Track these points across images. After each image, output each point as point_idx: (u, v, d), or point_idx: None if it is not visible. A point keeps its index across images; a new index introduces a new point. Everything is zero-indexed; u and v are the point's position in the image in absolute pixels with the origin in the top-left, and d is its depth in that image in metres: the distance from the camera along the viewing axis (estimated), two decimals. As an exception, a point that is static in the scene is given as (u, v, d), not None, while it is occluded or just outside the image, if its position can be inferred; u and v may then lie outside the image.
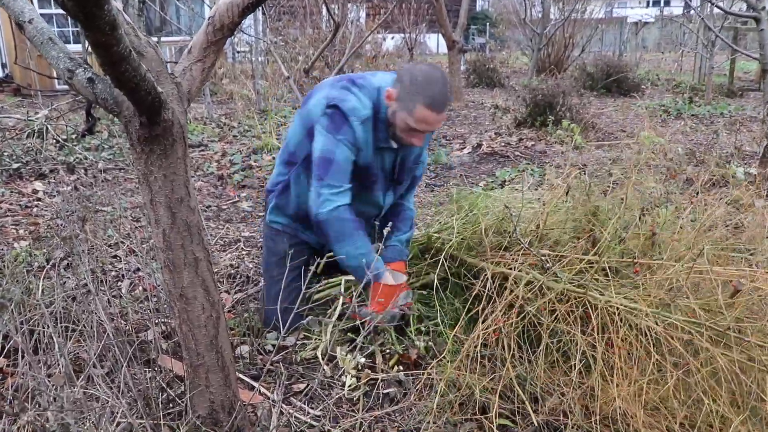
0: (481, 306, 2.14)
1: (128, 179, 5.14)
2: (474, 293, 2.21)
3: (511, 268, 2.25)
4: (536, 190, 2.71)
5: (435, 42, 20.93)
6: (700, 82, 11.67)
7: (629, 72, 11.06)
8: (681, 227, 2.22)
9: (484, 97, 10.69)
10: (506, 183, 4.89)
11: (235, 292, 2.98)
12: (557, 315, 2.11)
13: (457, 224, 2.44)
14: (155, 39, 9.07)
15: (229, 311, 2.74)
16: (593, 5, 15.81)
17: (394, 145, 2.34)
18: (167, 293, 1.68)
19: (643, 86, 11.50)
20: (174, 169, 1.56)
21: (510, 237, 2.33)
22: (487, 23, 21.72)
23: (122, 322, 2.54)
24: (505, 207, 2.35)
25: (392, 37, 13.86)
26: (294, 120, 2.46)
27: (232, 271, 3.24)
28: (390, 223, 2.13)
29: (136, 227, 3.99)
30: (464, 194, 2.75)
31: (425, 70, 2.17)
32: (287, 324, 1.91)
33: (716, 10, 11.28)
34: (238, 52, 13.99)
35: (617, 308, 2.02)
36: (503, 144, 6.50)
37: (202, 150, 6.19)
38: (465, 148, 6.52)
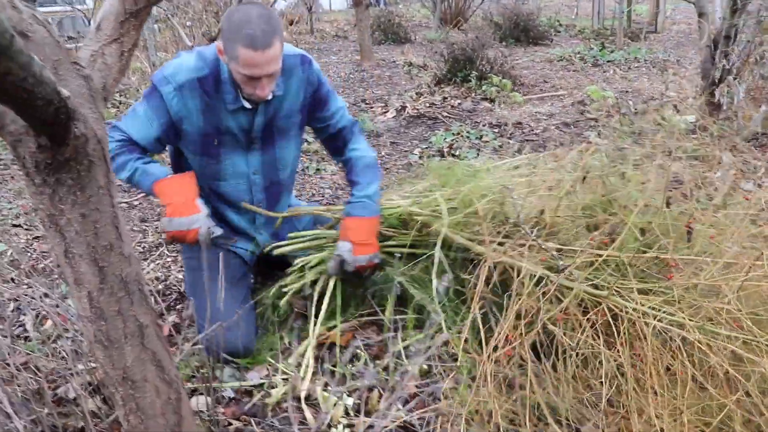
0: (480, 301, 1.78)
1: (15, 177, 4.39)
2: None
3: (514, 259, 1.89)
4: (520, 163, 2.32)
5: (327, -1, 20.12)
6: (601, 27, 11.71)
7: (537, 20, 10.89)
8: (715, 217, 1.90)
9: (394, 53, 10.23)
10: (447, 150, 4.51)
11: (167, 312, 2.47)
12: (575, 323, 1.78)
13: (445, 204, 2.04)
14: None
15: (165, 343, 2.24)
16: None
17: (248, 105, 2.01)
18: (104, 374, 1.19)
19: (547, 34, 11.39)
20: (96, 204, 1.06)
21: (511, 225, 1.96)
22: (381, -24, 21.11)
23: (30, 377, 2.00)
24: (504, 188, 1.96)
25: (289, -4, 13.09)
26: None
27: (160, 286, 2.71)
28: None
29: (34, 238, 3.34)
30: (438, 165, 2.36)
31: (242, 9, 1.86)
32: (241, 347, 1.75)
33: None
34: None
35: (646, 316, 1.70)
36: (428, 105, 6.11)
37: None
38: (388, 111, 6.09)
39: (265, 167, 2.16)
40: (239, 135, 2.06)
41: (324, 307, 2.07)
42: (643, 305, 1.73)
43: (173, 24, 5.43)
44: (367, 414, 1.77)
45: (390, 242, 2.21)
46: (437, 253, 1.99)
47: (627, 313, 1.73)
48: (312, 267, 2.14)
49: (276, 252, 2.18)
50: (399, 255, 2.14)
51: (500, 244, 1.95)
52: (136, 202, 3.86)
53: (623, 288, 1.78)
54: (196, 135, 2.02)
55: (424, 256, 2.10)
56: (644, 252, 1.86)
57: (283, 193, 2.29)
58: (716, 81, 4.27)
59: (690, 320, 1.67)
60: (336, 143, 2.25)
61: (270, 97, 2.00)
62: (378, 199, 2.17)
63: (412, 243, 2.17)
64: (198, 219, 1.97)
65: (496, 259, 1.89)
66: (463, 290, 1.98)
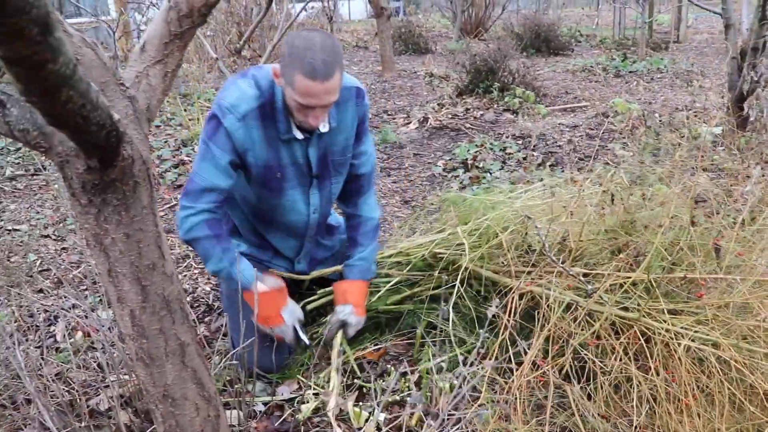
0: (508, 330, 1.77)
1: (44, 187, 4.45)
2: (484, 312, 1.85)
3: (542, 287, 1.88)
4: (544, 188, 2.31)
5: (347, 9, 20.20)
6: (622, 37, 11.65)
7: (558, 30, 10.87)
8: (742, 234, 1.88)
9: (414, 64, 10.25)
10: (471, 162, 4.50)
11: (196, 326, 2.49)
12: (606, 347, 1.77)
13: (467, 240, 2.04)
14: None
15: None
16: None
17: (299, 135, 1.95)
18: (144, 392, 1.20)
19: (568, 44, 11.35)
20: (140, 224, 1.07)
21: (535, 253, 1.96)
22: (401, -14, 21.19)
23: (63, 387, 2.02)
24: (527, 218, 1.95)
25: (312, 6, 13.15)
26: None
27: (188, 298, 2.73)
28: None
29: (62, 248, 3.38)
30: (455, 199, 2.36)
31: (304, 35, 1.80)
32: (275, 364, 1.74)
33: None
34: (141, 30, 12.95)
35: (679, 336, 1.68)
36: (450, 116, 6.12)
37: (123, 145, 5.51)
38: (411, 122, 6.10)
39: (322, 204, 2.13)
40: (298, 168, 2.01)
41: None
42: (674, 326, 1.72)
43: (197, 35, 5.47)
44: (398, 430, 1.77)
45: (417, 288, 2.22)
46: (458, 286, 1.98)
47: (659, 334, 1.71)
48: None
49: (309, 307, 2.20)
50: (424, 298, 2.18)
51: (528, 273, 1.95)
52: (161, 213, 3.90)
53: (653, 309, 1.76)
54: (260, 167, 1.96)
55: (450, 290, 2.10)
56: (671, 271, 1.84)
57: (325, 222, 2.29)
58: (744, 93, 4.22)
59: (724, 339, 1.66)
60: (351, 187, 2.20)
61: (323, 129, 1.96)
62: (375, 258, 2.20)
63: (438, 281, 2.18)
64: (283, 331, 2.01)
65: (523, 289, 1.89)
66: (494, 319, 1.98)
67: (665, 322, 1.72)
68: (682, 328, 1.70)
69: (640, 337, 1.74)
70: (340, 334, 2.04)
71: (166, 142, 5.41)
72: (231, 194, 2.00)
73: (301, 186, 2.05)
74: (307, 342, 2.05)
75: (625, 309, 1.80)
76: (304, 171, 2.03)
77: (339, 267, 2.22)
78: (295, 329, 2.03)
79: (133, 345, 1.14)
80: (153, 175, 1.09)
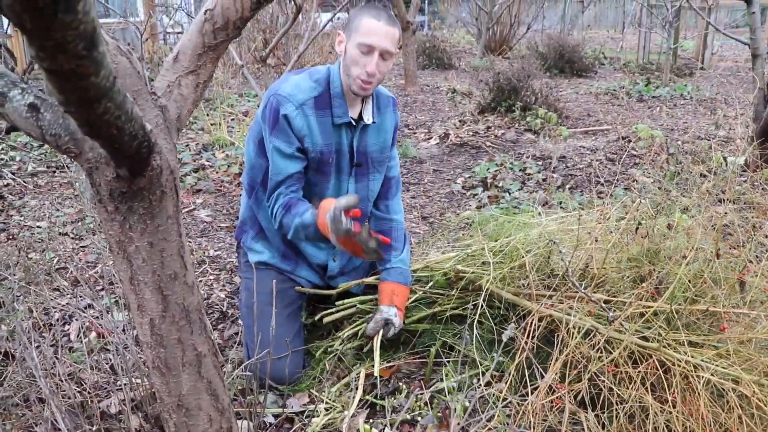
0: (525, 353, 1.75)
1: (64, 185, 4.49)
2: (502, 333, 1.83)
3: (562, 312, 1.87)
4: (567, 212, 2.29)
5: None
6: (646, 61, 11.60)
7: (582, 51, 10.84)
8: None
9: (437, 79, 10.27)
10: (490, 181, 4.49)
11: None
12: (624, 375, 1.74)
13: (492, 258, 2.03)
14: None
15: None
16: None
17: (353, 120, 2.07)
18: (159, 401, 1.20)
19: (592, 66, 11.32)
20: (164, 233, 1.08)
21: (557, 277, 1.94)
22: (427, 1, 21.28)
23: (75, 388, 2.03)
24: (551, 242, 1.94)
25: (338, 17, 13.24)
26: (247, 135, 2.17)
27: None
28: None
29: (80, 248, 3.41)
30: (486, 218, 2.35)
31: (368, 4, 2.03)
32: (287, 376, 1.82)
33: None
34: (168, 33, 13.07)
35: (699, 369, 1.65)
36: (471, 133, 6.11)
37: (145, 147, 5.55)
38: (431, 138, 6.10)
39: (359, 195, 2.13)
40: (342, 156, 2.11)
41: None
42: (694, 358, 1.69)
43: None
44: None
45: (436, 308, 2.21)
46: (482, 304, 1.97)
47: (678, 366, 1.68)
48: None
49: (326, 320, 2.20)
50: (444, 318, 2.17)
51: (549, 297, 1.94)
52: (180, 217, 3.92)
53: (674, 340, 1.74)
54: (316, 152, 2.05)
55: (471, 310, 2.09)
56: (694, 303, 1.82)
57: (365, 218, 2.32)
58: (770, 124, 4.18)
59: (746, 375, 1.63)
60: (384, 188, 2.29)
61: (368, 121, 2.09)
62: (410, 263, 2.26)
63: (457, 302, 2.17)
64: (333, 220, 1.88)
65: (543, 313, 1.88)
66: (511, 341, 1.97)
67: (685, 353, 1.70)
68: (702, 360, 1.68)
69: (659, 368, 1.71)
70: (380, 333, 2.06)
71: (187, 146, 5.45)
72: (303, 176, 2.07)
73: (341, 173, 2.14)
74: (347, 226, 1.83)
75: (645, 338, 1.78)
76: (346, 158, 2.13)
77: (367, 279, 2.26)
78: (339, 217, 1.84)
79: (150, 353, 1.14)
80: (179, 186, 1.10)
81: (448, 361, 2.06)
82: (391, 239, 2.23)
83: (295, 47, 7.09)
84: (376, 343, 2.03)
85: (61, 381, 1.96)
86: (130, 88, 1.04)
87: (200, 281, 2.99)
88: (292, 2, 4.06)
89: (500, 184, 4.41)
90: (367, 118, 2.09)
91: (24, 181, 4.54)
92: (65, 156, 0.99)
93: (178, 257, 1.10)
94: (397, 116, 2.24)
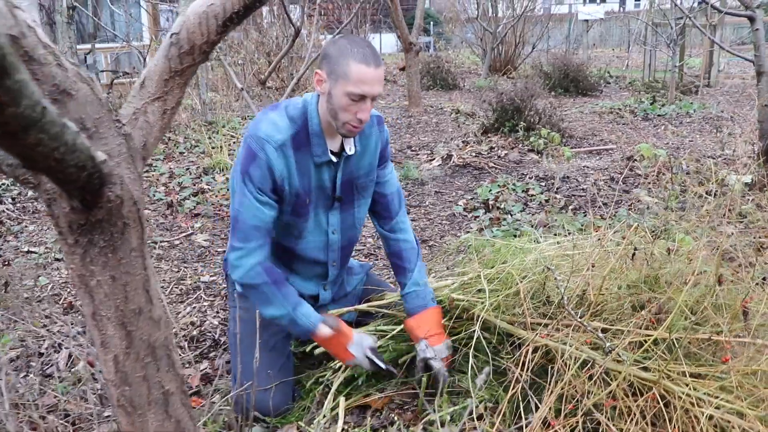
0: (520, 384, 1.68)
1: (61, 211, 4.46)
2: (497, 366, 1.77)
3: (558, 341, 1.80)
4: (563, 236, 2.23)
5: (378, 42, 20.39)
6: (652, 79, 11.56)
7: (587, 70, 10.82)
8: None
9: (441, 100, 10.27)
10: (492, 203, 4.43)
11: (200, 361, 2.43)
12: (622, 408, 1.67)
13: (487, 286, 1.97)
14: (88, 47, 8.29)
15: (194, 393, 2.19)
16: (540, 1, 15.67)
17: (333, 158, 1.99)
18: (122, 443, 1.14)
19: (597, 85, 11.29)
20: (127, 267, 1.03)
21: (553, 305, 1.88)
22: (431, 22, 21.41)
23: (59, 421, 1.97)
24: (547, 269, 1.87)
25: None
26: (233, 168, 2.07)
27: (195, 332, 2.68)
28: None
29: (73, 275, 3.36)
30: (482, 243, 2.29)
31: (342, 39, 1.88)
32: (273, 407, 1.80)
33: (666, 6, 11.21)
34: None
35: (701, 402, 1.58)
36: (474, 154, 6.06)
37: (147, 171, 5.54)
38: (434, 159, 6.05)
39: (344, 226, 2.13)
40: (322, 192, 2.03)
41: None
42: (696, 390, 1.62)
43: (224, 64, 5.52)
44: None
45: None
46: (477, 332, 1.91)
47: (679, 399, 1.61)
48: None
49: (316, 351, 2.15)
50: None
51: (545, 326, 1.87)
52: (177, 242, 3.88)
53: (674, 371, 1.67)
54: (292, 195, 1.98)
55: (464, 341, 2.04)
56: (695, 331, 1.74)
57: (352, 252, 2.28)
58: (776, 143, 4.11)
59: (750, 409, 1.55)
60: (381, 204, 2.21)
61: (350, 152, 2.01)
62: (425, 279, 2.16)
63: (452, 331, 2.11)
64: (355, 362, 2.00)
65: (538, 342, 1.81)
66: (504, 371, 1.90)
67: (687, 386, 1.62)
68: (704, 393, 1.60)
69: (659, 401, 1.64)
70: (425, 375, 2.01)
71: (187, 169, 5.43)
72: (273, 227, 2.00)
73: (323, 208, 2.08)
74: (383, 366, 2.00)
75: (645, 369, 1.70)
76: (328, 194, 2.06)
77: (359, 306, 2.25)
78: (369, 359, 1.99)
79: (115, 391, 1.08)
80: (144, 217, 1.05)
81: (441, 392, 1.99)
82: (402, 261, 2.17)
83: (298, 70, 7.09)
84: (422, 386, 2.00)
85: (42, 418, 1.91)
86: (91, 116, 0.99)
87: (194, 307, 2.94)
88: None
89: (502, 206, 4.35)
90: (349, 149, 2.01)
91: (24, 205, 4.52)
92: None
93: (143, 291, 1.05)
94: (384, 132, 2.13)
